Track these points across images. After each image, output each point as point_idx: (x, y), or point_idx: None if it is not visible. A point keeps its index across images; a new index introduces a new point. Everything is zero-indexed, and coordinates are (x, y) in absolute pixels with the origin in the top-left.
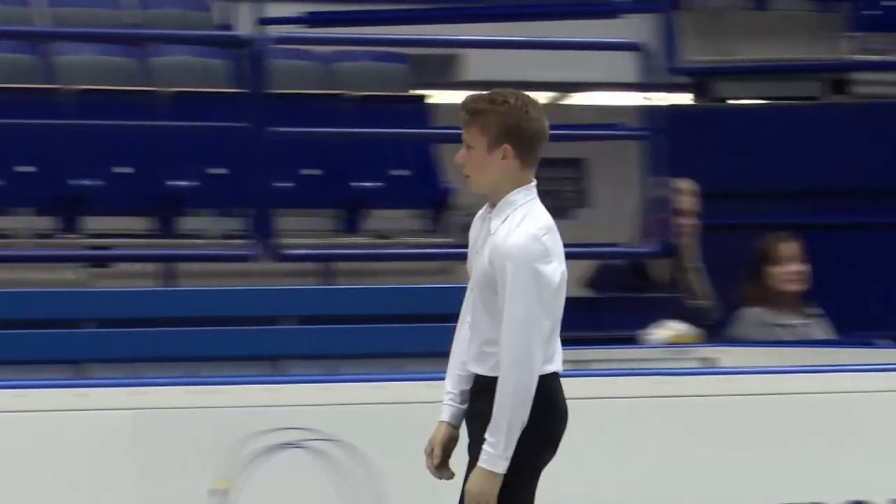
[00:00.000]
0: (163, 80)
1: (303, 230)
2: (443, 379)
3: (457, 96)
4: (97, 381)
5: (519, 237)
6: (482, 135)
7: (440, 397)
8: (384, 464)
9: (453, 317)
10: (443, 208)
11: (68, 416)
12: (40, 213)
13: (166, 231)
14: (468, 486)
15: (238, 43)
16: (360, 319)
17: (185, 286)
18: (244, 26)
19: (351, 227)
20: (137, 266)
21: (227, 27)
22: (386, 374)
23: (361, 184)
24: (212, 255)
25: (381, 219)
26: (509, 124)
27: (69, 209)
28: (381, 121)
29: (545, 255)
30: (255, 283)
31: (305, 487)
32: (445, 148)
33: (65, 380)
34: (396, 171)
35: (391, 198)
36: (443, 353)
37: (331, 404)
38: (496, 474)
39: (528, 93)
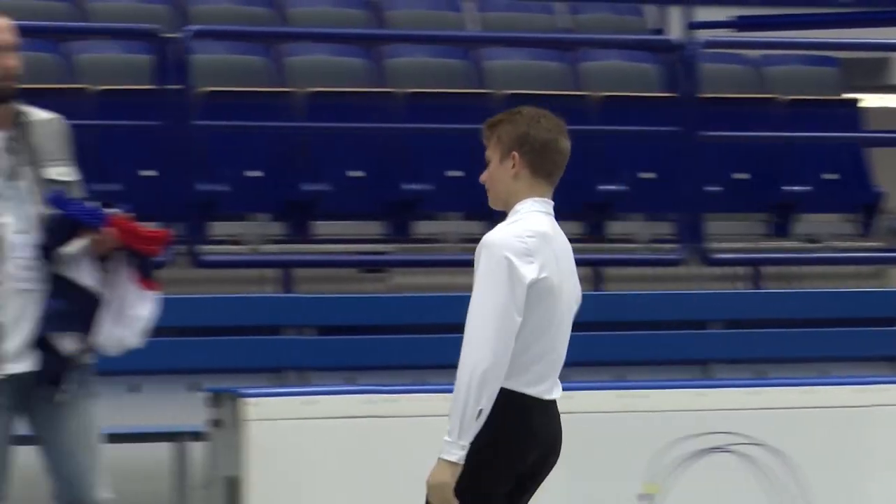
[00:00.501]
0: (593, 85)
1: (731, 234)
2: (875, 383)
3: (889, 100)
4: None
5: (500, 233)
6: (497, 147)
7: (872, 401)
8: (812, 470)
9: (886, 321)
10: (873, 212)
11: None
12: (470, 217)
13: (597, 234)
14: (427, 477)
15: (669, 47)
16: (789, 323)
17: (613, 290)
18: (674, 31)
19: (780, 231)
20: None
21: (658, 32)
22: (814, 378)
23: (791, 187)
24: (640, 259)
25: (810, 222)
26: (519, 132)
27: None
28: (811, 124)
29: (525, 253)
30: (682, 287)
31: (731, 492)
32: (876, 152)
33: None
34: (827, 174)
35: (821, 201)
36: (878, 358)
37: (758, 408)
38: (450, 463)
39: None
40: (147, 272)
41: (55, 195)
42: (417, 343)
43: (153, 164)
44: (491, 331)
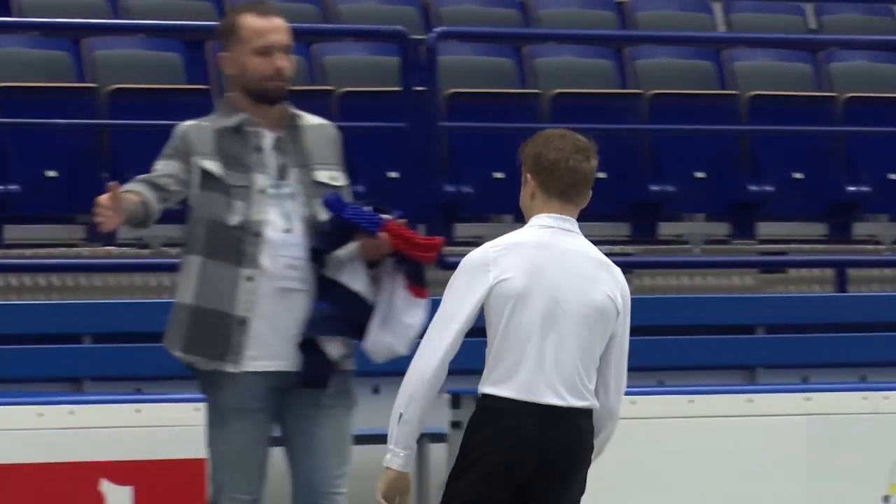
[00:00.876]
0: (838, 85)
1: None
2: None
3: None
4: (768, 387)
5: (477, 249)
6: (523, 169)
7: None
8: None
9: None
10: None
11: (739, 422)
12: (712, 218)
13: (840, 236)
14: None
15: None
16: None
17: (857, 292)
18: None
19: None
20: (811, 272)
21: None
22: None
23: None
24: (885, 260)
25: None
26: (532, 153)
27: (742, 214)
28: None
29: (481, 264)
30: None
31: None
32: None
33: (735, 385)
34: None
35: None
36: None
37: None
38: (388, 469)
39: None
40: (418, 280)
41: (333, 198)
42: (658, 344)
43: (398, 165)
44: (427, 340)
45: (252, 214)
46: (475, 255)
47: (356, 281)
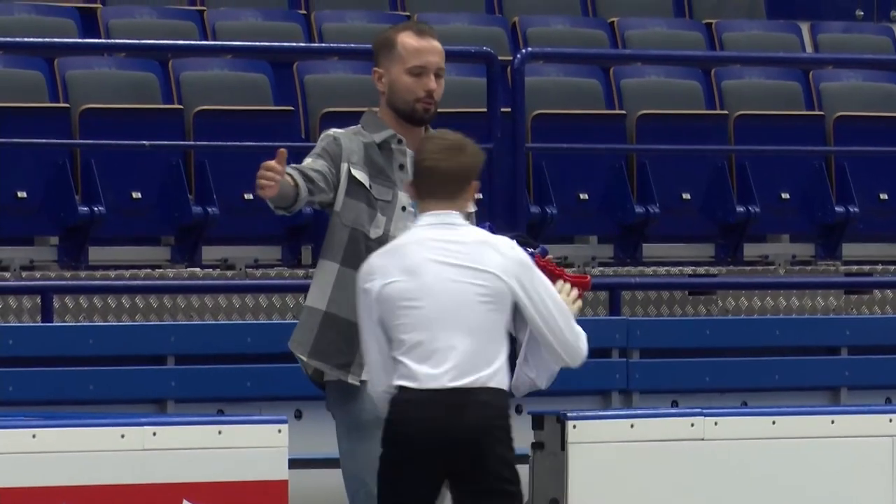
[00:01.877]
0: None
1: None
2: None
3: None
4: (852, 408)
5: None
6: None
7: None
8: None
9: None
10: None
11: (823, 443)
12: (797, 239)
13: None
14: None
15: None
16: None
17: None
18: None
19: None
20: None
21: None
22: None
23: None
24: None
25: None
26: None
27: (828, 235)
28: None
29: (367, 276)
30: None
31: None
32: None
33: (819, 406)
34: None
35: None
36: None
37: None
38: None
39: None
40: None
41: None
42: (741, 366)
43: (484, 186)
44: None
45: (392, 230)
46: (360, 272)
47: None
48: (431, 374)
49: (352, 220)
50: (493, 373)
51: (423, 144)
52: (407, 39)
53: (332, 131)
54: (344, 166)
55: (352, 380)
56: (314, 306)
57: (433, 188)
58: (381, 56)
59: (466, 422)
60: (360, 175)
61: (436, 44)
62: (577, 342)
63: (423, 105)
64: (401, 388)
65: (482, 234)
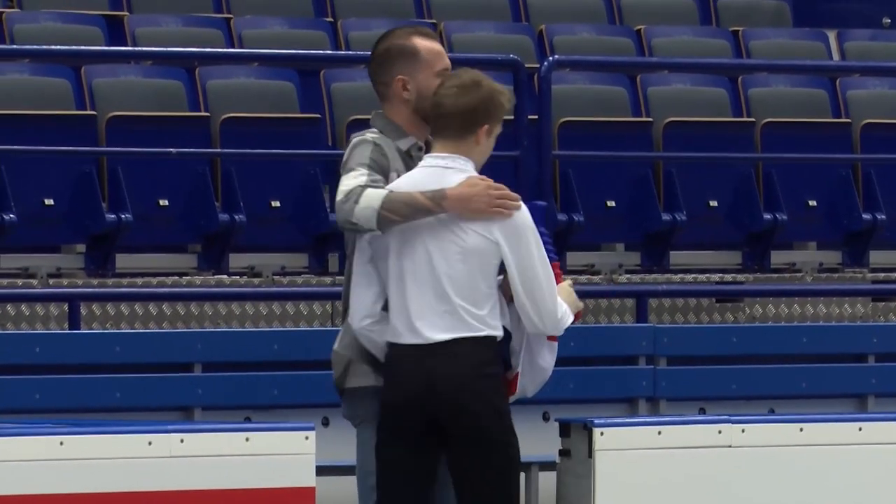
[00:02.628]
0: None
1: None
2: None
3: None
4: (879, 416)
5: None
6: None
7: None
8: None
9: None
10: None
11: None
12: (824, 246)
13: None
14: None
15: None
16: None
17: None
18: None
19: None
20: None
21: None
22: None
23: None
24: None
25: None
26: None
27: (854, 243)
28: None
29: None
30: None
31: None
32: None
33: (846, 413)
34: None
35: None
36: None
37: None
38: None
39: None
40: None
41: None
42: (769, 373)
43: None
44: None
45: None
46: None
47: (503, 317)
48: (407, 328)
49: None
50: (478, 322)
51: (441, 81)
52: (426, 44)
53: (370, 137)
54: (393, 175)
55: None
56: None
57: (438, 127)
58: (400, 64)
59: (441, 373)
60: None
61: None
62: (556, 308)
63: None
64: (390, 344)
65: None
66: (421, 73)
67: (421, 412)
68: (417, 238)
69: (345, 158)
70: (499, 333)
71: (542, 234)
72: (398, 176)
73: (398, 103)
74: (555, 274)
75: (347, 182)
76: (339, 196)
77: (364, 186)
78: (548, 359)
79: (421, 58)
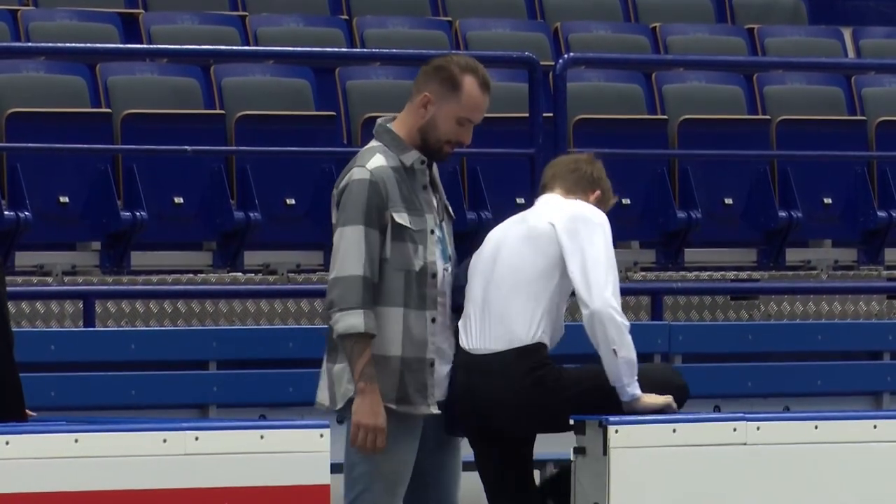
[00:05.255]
0: None
1: None
2: None
3: None
4: (894, 413)
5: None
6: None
7: None
8: None
9: None
10: None
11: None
12: (840, 244)
13: None
14: None
15: None
16: None
17: None
18: None
19: None
20: None
21: None
22: None
23: None
24: None
25: None
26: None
27: (870, 240)
28: None
29: None
30: None
31: None
32: None
33: (862, 411)
34: None
35: None
36: None
37: None
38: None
39: None
40: None
41: None
42: (784, 371)
43: (525, 191)
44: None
45: (427, 256)
46: None
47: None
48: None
49: (401, 263)
50: (524, 333)
51: None
52: (473, 90)
53: (369, 174)
54: (388, 213)
55: (424, 410)
56: (387, 354)
57: None
58: (437, 85)
59: (476, 389)
60: (402, 219)
61: (488, 100)
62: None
63: (450, 149)
64: None
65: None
66: (447, 107)
67: (467, 419)
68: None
69: (342, 195)
70: None
71: None
72: (394, 214)
73: (412, 114)
74: None
75: (347, 254)
76: (335, 271)
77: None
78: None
79: (457, 95)
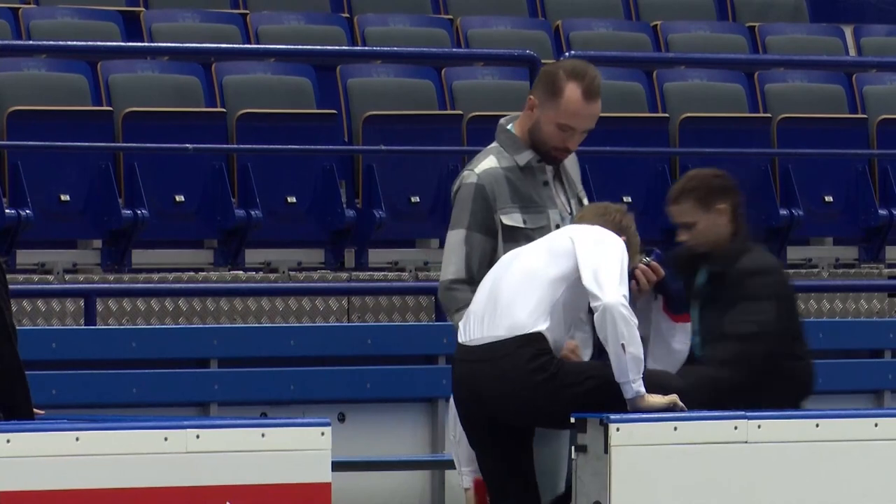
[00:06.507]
0: None
1: None
2: None
3: None
4: (894, 412)
5: None
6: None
7: None
8: None
9: None
10: None
11: (866, 446)
12: (841, 242)
13: None
14: None
15: None
16: None
17: None
18: None
19: None
20: None
21: None
22: None
23: None
24: None
25: None
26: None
27: (871, 238)
28: None
29: None
30: None
31: None
32: None
33: (863, 409)
34: None
35: None
36: None
37: None
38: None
39: None
40: (676, 306)
41: (658, 258)
42: None
43: None
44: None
45: None
46: None
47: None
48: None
49: None
50: (526, 321)
51: None
52: (574, 96)
53: (475, 176)
54: (497, 217)
55: None
56: None
57: None
58: (542, 89)
59: (482, 379)
60: (512, 220)
61: (596, 107)
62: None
63: (558, 154)
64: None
65: None
66: (549, 111)
67: (471, 408)
68: None
69: (454, 198)
70: None
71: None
72: (502, 216)
73: (524, 115)
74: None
75: (447, 258)
76: (446, 276)
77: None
78: (681, 342)
79: (557, 102)
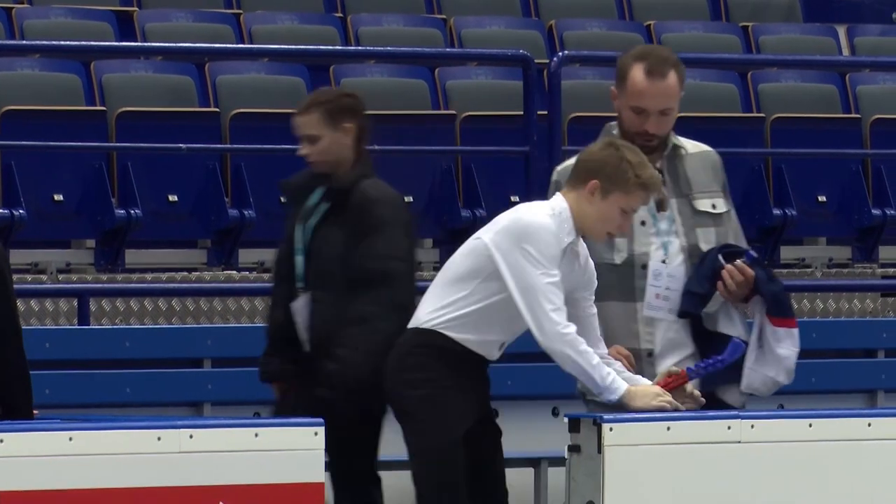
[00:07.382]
0: None
1: None
2: None
3: None
4: (888, 411)
5: None
6: None
7: None
8: None
9: None
10: None
11: (859, 446)
12: (834, 242)
13: None
14: None
15: None
16: None
17: None
18: None
19: None
20: None
21: None
22: None
23: None
24: None
25: None
26: None
27: (864, 238)
28: None
29: None
30: None
31: None
32: None
33: (856, 409)
34: None
35: None
36: None
37: None
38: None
39: None
40: (779, 310)
41: (751, 260)
42: None
43: (520, 189)
44: None
45: (636, 248)
46: None
47: (733, 327)
48: None
49: (602, 259)
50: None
51: None
52: (637, 76)
53: (556, 174)
54: None
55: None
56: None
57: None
58: (618, 79)
59: None
60: None
61: (662, 85)
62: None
63: (642, 140)
64: None
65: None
66: (622, 97)
67: None
68: None
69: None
70: None
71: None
72: None
73: (616, 109)
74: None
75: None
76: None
77: None
78: (786, 347)
79: (625, 86)
